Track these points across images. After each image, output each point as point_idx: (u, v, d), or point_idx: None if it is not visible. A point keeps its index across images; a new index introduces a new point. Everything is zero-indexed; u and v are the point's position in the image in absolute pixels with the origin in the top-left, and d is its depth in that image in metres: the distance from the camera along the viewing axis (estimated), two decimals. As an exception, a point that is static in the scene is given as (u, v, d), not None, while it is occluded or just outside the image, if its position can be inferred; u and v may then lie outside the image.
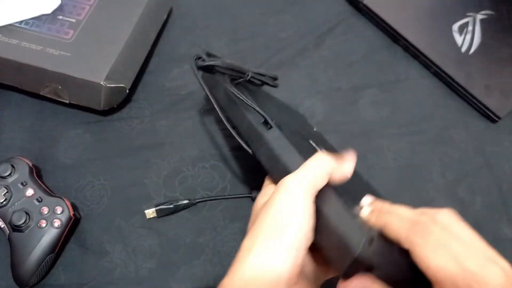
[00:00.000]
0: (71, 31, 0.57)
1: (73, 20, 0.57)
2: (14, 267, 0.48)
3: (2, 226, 0.50)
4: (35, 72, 0.54)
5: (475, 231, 0.30)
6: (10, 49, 0.54)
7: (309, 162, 0.36)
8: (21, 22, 0.57)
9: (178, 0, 0.68)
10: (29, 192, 0.50)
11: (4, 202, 0.50)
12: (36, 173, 0.53)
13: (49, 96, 0.56)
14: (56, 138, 0.57)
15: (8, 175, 0.51)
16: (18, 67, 0.54)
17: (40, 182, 0.52)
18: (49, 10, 0.58)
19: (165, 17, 0.64)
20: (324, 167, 0.35)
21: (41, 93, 0.56)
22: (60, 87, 0.54)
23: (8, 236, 0.49)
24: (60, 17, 0.58)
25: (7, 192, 0.50)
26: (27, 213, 0.49)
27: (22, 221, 0.48)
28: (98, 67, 0.54)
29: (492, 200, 0.57)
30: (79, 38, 0.56)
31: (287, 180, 0.35)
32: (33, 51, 0.54)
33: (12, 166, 0.51)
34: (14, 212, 0.49)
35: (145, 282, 0.51)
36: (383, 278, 0.31)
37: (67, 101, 0.55)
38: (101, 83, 0.53)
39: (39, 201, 0.50)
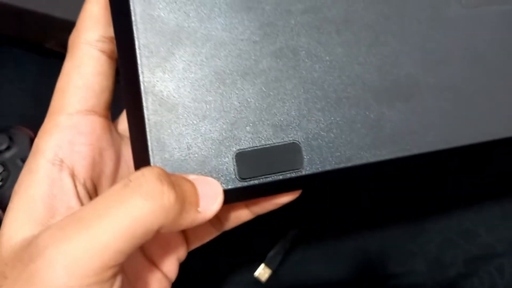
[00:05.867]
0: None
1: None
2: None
3: (-3, 212, 0.43)
4: (39, 19, 0.47)
5: None
6: (8, -9, 0.48)
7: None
8: (21, -42, 0.50)
9: None
10: (31, 170, 0.43)
11: (0, 183, 0.43)
12: (40, 147, 0.46)
13: (55, 49, 0.50)
14: (64, 102, 0.52)
15: (4, 149, 0.44)
16: (19, 14, 0.48)
17: (44, 158, 0.45)
18: None
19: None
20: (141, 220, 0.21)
21: (46, 46, 0.50)
22: (70, 39, 0.48)
23: (4, 224, 0.42)
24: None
25: (3, 170, 0.43)
26: (27, 197, 0.42)
27: (22, 206, 0.41)
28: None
29: None
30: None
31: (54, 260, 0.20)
32: (36, -7, 0.48)
33: (10, 138, 0.45)
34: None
35: None
36: None
37: (77, 56, 0.49)
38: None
39: (42, 183, 0.43)
